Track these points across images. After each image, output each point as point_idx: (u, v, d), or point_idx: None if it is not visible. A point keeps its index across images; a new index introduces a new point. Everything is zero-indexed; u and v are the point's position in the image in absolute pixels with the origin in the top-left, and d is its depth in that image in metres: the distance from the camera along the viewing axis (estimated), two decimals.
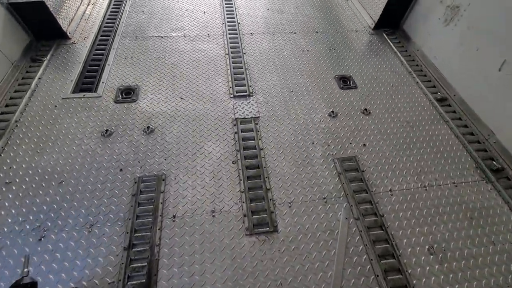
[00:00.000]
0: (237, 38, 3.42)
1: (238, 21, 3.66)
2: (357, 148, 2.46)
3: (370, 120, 2.68)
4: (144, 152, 2.30)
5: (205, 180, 2.18)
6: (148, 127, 2.45)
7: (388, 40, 3.58)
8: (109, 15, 3.59)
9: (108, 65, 2.95)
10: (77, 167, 2.18)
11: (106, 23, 3.48)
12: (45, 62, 2.89)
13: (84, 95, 2.65)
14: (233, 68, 3.04)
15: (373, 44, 3.53)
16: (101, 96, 2.66)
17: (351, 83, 3.02)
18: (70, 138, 2.34)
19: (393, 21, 3.68)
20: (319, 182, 2.22)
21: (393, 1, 3.42)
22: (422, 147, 2.50)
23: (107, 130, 2.40)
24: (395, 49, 3.45)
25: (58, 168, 2.16)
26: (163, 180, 2.14)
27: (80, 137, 2.35)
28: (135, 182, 2.11)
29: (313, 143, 2.46)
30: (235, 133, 2.48)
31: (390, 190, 2.21)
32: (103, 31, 3.36)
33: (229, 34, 3.46)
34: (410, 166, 2.36)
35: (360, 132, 2.58)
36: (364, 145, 2.49)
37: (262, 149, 2.39)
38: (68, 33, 3.16)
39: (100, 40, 3.23)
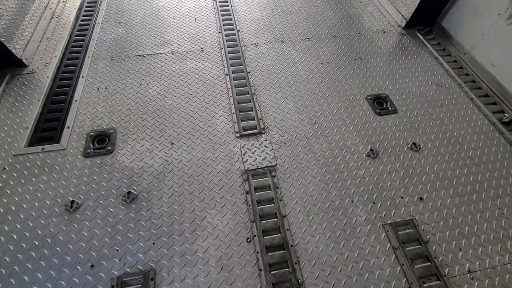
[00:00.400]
0: (238, 51, 2.73)
1: (238, 29, 2.96)
2: (412, 204, 1.83)
3: (422, 159, 2.03)
4: (124, 233, 1.67)
5: (211, 274, 1.56)
6: (128, 193, 1.81)
7: (425, 42, 2.88)
8: (78, 30, 2.89)
9: (76, 100, 2.28)
10: (29, 265, 1.56)
11: (74, 41, 2.79)
12: None
13: (43, 149, 2.00)
14: (236, 95, 2.37)
15: (406, 48, 2.83)
16: (65, 149, 2.01)
17: (388, 105, 2.35)
18: (22, 218, 1.71)
19: (428, 17, 2.98)
20: (369, 265, 1.60)
21: None
22: (500, 197, 1.86)
23: (73, 202, 1.76)
24: (435, 53, 2.76)
25: (5, 262, 1.54)
26: (152, 279, 1.52)
27: (36, 215, 1.72)
28: (112, 287, 1.50)
29: (352, 201, 1.83)
30: (247, 193, 1.85)
31: (469, 271, 1.59)
32: (70, 53, 2.67)
33: (228, 46, 2.77)
34: (489, 229, 1.73)
35: (411, 178, 1.94)
36: (421, 198, 1.85)
37: (284, 216, 1.76)
38: (24, 60, 2.48)
39: (66, 66, 2.55)
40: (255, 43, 2.82)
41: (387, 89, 2.46)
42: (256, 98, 2.36)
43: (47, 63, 2.53)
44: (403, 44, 2.87)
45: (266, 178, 1.91)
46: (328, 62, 2.66)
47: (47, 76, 2.42)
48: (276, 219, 1.74)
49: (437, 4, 2.85)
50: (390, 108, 2.33)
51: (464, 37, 2.73)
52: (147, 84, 2.43)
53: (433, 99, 2.40)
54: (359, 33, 2.97)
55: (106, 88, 2.39)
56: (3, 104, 2.24)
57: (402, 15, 3.01)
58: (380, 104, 2.37)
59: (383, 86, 2.49)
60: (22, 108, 2.21)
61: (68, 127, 2.11)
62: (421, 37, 2.93)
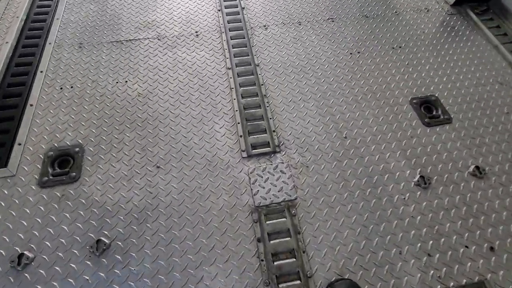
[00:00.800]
0: (243, 37, 2.12)
1: (243, 5, 2.32)
2: (480, 256, 1.36)
3: (488, 190, 1.53)
4: None
5: None
6: (98, 242, 1.34)
7: (480, 24, 2.26)
8: (38, 7, 2.25)
9: (31, 105, 1.74)
10: None
11: (32, 21, 2.17)
12: None
13: None
14: (242, 97, 1.82)
15: (457, 32, 2.22)
16: (14, 176, 1.50)
17: (440, 112, 1.81)
18: None
19: None
20: None
21: None
22: None
23: (21, 256, 1.29)
24: (494, 40, 2.15)
25: None
26: None
27: None
28: None
29: (400, 252, 1.36)
30: (258, 240, 1.37)
31: None
32: (27, 38, 2.07)
33: (230, 30, 2.16)
34: None
35: (477, 218, 1.45)
36: (492, 248, 1.37)
37: (310, 277, 1.30)
38: None
39: (20, 56, 1.97)
40: (264, 25, 2.21)
41: (436, 90, 1.90)
42: (268, 102, 1.81)
43: None
44: (453, 27, 2.25)
45: (284, 219, 1.42)
46: (359, 52, 2.07)
47: None
48: (299, 282, 1.28)
49: None
50: (442, 117, 1.79)
51: None
52: (126, 82, 1.87)
53: (496, 103, 1.85)
54: (396, 12, 2.33)
55: (71, 87, 1.83)
56: None
57: None
58: (429, 110, 1.83)
59: (431, 86, 1.92)
60: None
61: (20, 144, 1.59)
62: (475, 17, 2.30)
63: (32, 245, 1.32)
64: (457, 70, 2.00)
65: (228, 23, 2.19)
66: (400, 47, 2.12)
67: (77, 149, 1.58)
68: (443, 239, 1.40)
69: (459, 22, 2.28)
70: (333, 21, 2.25)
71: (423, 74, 1.97)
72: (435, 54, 2.09)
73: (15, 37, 2.03)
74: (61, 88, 1.82)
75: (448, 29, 2.24)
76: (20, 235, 1.35)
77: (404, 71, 1.99)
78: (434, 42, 2.16)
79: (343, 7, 2.35)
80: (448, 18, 2.31)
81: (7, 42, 1.99)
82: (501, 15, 2.31)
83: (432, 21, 2.29)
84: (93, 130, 1.66)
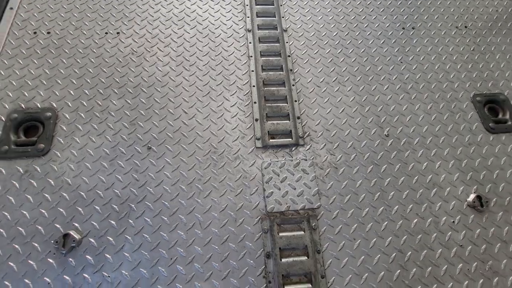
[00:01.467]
0: None
1: None
2: None
3: None
4: None
5: None
6: (65, 236, 1.05)
7: None
8: None
9: None
10: None
11: None
12: None
13: None
14: (263, 70, 1.44)
15: None
16: None
17: (508, 115, 1.44)
18: None
19: None
20: None
21: None
22: None
23: None
24: None
25: None
26: None
27: None
28: None
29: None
30: (266, 256, 1.09)
31: None
32: None
33: None
34: None
35: None
36: None
37: None
38: None
39: None
40: None
41: (506, 87, 1.51)
42: (295, 79, 1.43)
43: None
44: None
45: (302, 232, 1.13)
46: (413, 28, 1.64)
47: None
48: None
49: None
50: (510, 122, 1.42)
51: None
52: (118, 33, 1.47)
53: None
54: None
55: (48, 33, 1.44)
56: None
57: None
58: (495, 112, 1.45)
59: (500, 81, 1.53)
60: None
61: None
62: None
63: None
64: None
65: None
66: (466, 27, 1.68)
67: (48, 113, 1.25)
68: (496, 279, 1.12)
69: None
70: None
71: (491, 66, 1.57)
72: (508, 40, 1.66)
73: None
74: (35, 33, 1.43)
75: None
76: None
77: (468, 58, 1.58)
78: (509, 25, 1.71)
79: None
80: None
81: None
82: None
83: None
84: (71, 92, 1.31)
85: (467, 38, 1.64)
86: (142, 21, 1.53)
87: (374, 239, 1.14)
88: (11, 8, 1.48)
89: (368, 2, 1.72)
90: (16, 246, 1.04)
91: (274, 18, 1.59)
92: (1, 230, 1.06)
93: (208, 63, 1.45)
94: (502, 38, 1.66)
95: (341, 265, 1.09)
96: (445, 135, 1.37)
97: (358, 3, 1.71)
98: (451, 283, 1.10)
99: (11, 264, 1.02)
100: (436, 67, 1.53)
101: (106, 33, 1.47)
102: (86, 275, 1.02)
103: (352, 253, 1.11)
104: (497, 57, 1.59)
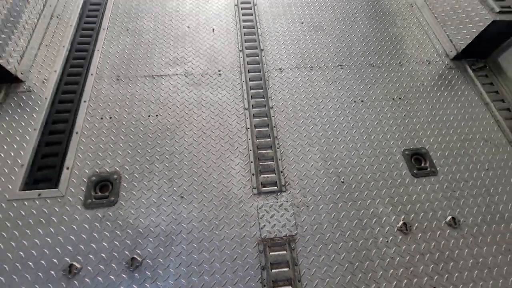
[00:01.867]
0: (260, 79, 2.39)
1: (262, 47, 2.58)
2: None
3: (460, 240, 1.80)
4: None
5: None
6: (132, 259, 1.64)
7: (475, 80, 2.49)
8: (81, 36, 2.54)
9: (76, 133, 2.04)
10: None
11: (77, 50, 2.46)
12: None
13: (39, 194, 1.80)
14: (256, 138, 2.10)
15: (453, 86, 2.46)
16: (64, 196, 1.81)
17: (428, 164, 2.07)
18: (17, 282, 1.56)
19: (482, 49, 2.55)
20: None
21: (500, 26, 2.26)
22: None
23: (71, 266, 1.60)
24: (486, 97, 2.39)
25: None
26: None
27: (32, 279, 1.57)
28: None
29: None
30: (262, 268, 1.66)
31: None
32: (72, 66, 2.36)
33: (249, 71, 2.43)
34: None
35: (446, 263, 1.72)
36: None
37: None
38: (19, 75, 2.19)
39: (66, 84, 2.27)
40: (280, 68, 2.47)
41: (427, 142, 2.16)
42: (278, 144, 2.09)
43: (45, 79, 2.24)
44: (450, 81, 2.49)
45: (285, 252, 1.71)
46: (362, 101, 2.33)
47: (45, 98, 2.15)
48: None
49: (499, 37, 2.41)
50: (429, 169, 2.05)
51: None
52: (157, 115, 2.16)
53: (478, 159, 2.11)
54: (399, 63, 2.57)
55: (110, 118, 2.12)
56: None
57: (453, 44, 2.59)
58: (418, 161, 2.09)
59: (423, 138, 2.18)
60: (18, 138, 1.98)
61: (68, 168, 1.90)
62: (471, 73, 2.54)
63: (79, 257, 1.63)
64: (449, 124, 2.25)
65: (248, 64, 2.46)
66: (400, 98, 2.37)
67: (115, 176, 1.89)
68: (415, 280, 1.68)
69: (456, 77, 2.52)
70: (342, 67, 2.51)
71: (417, 127, 2.23)
72: (430, 107, 2.33)
73: (61, 66, 2.33)
74: (102, 118, 2.12)
75: (446, 82, 2.48)
76: (70, 248, 1.66)
77: (401, 122, 2.24)
78: (431, 95, 2.40)
79: (352, 54, 2.60)
80: (447, 72, 2.55)
81: (55, 71, 2.29)
82: (496, 72, 2.54)
83: (432, 73, 2.53)
84: (128, 160, 1.96)
85: (401, 107, 2.32)
86: (172, 105, 2.22)
87: (333, 255, 1.72)
88: (85, 101, 2.17)
89: (330, 82, 2.42)
90: (101, 266, 1.62)
91: (263, 99, 2.28)
92: (91, 256, 1.64)
93: (219, 135, 2.11)
94: (425, 105, 2.33)
95: (311, 273, 1.66)
96: (383, 180, 1.98)
97: (323, 83, 2.41)
98: (384, 284, 1.65)
99: (99, 278, 1.59)
100: (377, 130, 2.19)
101: (149, 115, 2.15)
102: (146, 284, 1.59)
103: (318, 265, 1.68)
104: (421, 120, 2.25)
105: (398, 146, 2.13)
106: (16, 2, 2.29)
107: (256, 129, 2.14)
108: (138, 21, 2.68)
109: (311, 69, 2.48)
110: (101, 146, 2.00)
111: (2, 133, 1.99)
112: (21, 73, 2.21)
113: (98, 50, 2.45)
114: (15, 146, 1.95)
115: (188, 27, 2.67)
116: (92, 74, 2.32)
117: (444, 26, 2.68)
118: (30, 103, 2.13)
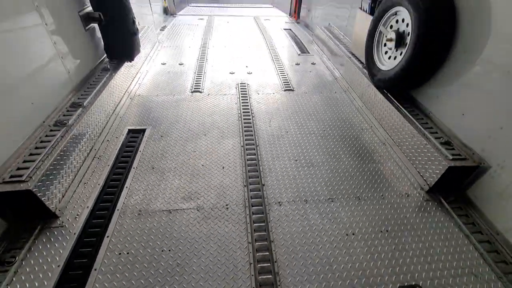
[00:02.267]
0: (262, 212, 2.76)
1: (263, 182, 3.09)
2: None
3: None
4: None
5: None
6: None
7: (452, 212, 2.82)
8: (114, 174, 3.10)
9: (95, 270, 2.23)
10: None
11: (108, 187, 2.95)
12: (15, 265, 2.22)
13: None
14: (259, 274, 2.27)
15: (433, 218, 2.76)
16: None
17: None
18: None
19: (450, 185, 3.00)
20: None
21: (456, 170, 2.79)
22: None
23: None
24: (465, 229, 2.65)
25: None
26: None
27: None
28: None
29: None
30: None
31: None
32: (102, 202, 2.80)
33: (253, 205, 2.83)
34: None
35: None
36: None
37: None
38: (57, 212, 2.59)
39: (94, 219, 2.63)
40: (279, 202, 2.88)
41: (420, 279, 2.29)
42: (280, 281, 2.23)
43: (77, 215, 2.62)
44: (429, 212, 2.83)
45: None
46: (353, 234, 2.60)
47: (74, 233, 2.46)
48: None
49: (460, 177, 2.90)
50: None
51: (496, 214, 2.66)
52: (169, 251, 2.40)
53: None
54: (382, 196, 2.99)
55: (128, 253, 2.36)
56: (23, 268, 2.22)
57: (425, 180, 3.08)
58: None
59: (415, 273, 2.32)
60: (41, 275, 2.17)
61: None
62: (446, 205, 2.90)
63: None
64: (437, 258, 2.43)
65: (251, 199, 2.88)
66: (387, 230, 2.64)
67: None
68: None
69: (434, 208, 2.87)
70: (332, 201, 2.91)
71: (407, 261, 2.40)
72: (416, 239, 2.57)
73: (93, 202, 2.75)
74: (120, 254, 2.35)
75: (426, 214, 2.81)
76: None
77: (392, 255, 2.44)
78: (415, 227, 2.68)
79: (341, 188, 3.06)
80: (425, 204, 2.92)
81: (87, 207, 2.69)
82: (469, 207, 2.89)
83: (412, 205, 2.90)
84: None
85: (389, 239, 2.56)
86: (184, 240, 2.48)
87: None
88: (108, 236, 2.47)
89: (323, 215, 2.76)
90: None
91: (265, 233, 2.57)
92: None
93: (224, 270, 2.28)
94: (411, 238, 2.57)
95: None
96: None
97: (317, 216, 2.74)
98: None
99: None
100: (371, 265, 2.36)
101: (162, 250, 2.39)
102: None
103: None
104: (410, 254, 2.44)
105: (393, 282, 2.25)
106: (67, 146, 2.91)
107: (259, 265, 2.32)
108: (163, 160, 3.31)
109: (306, 202, 2.88)
110: (115, 283, 2.16)
111: (28, 269, 2.20)
112: (59, 210, 2.61)
113: (126, 187, 2.94)
114: (37, 285, 2.11)
115: (203, 165, 3.27)
116: (118, 209, 2.71)
117: (414, 164, 3.25)
118: (59, 238, 2.42)
